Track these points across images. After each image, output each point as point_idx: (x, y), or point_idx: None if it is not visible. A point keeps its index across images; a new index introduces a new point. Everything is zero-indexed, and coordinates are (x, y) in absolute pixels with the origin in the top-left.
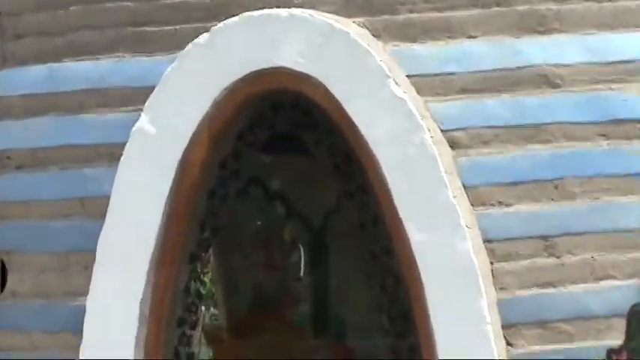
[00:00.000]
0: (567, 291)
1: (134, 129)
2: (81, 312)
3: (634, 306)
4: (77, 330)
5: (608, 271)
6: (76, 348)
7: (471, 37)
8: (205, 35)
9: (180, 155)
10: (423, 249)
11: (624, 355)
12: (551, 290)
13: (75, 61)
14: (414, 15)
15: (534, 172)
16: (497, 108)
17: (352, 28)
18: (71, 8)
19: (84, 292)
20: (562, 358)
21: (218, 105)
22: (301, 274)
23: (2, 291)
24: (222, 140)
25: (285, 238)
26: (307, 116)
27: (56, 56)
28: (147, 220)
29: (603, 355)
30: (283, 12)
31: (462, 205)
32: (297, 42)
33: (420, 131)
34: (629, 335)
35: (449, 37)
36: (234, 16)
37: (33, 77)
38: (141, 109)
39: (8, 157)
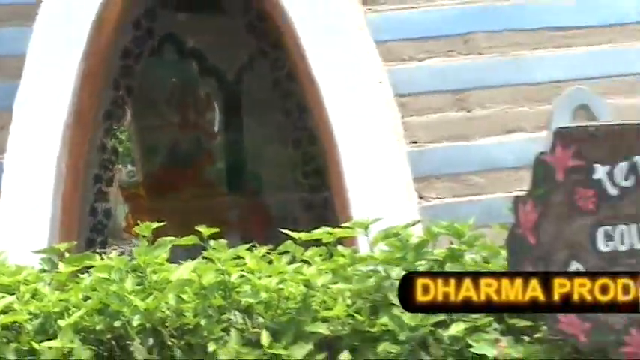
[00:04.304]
0: (478, 144)
1: None
2: None
3: (540, 154)
4: None
5: (518, 123)
6: None
7: None
8: None
9: (94, 14)
10: (336, 105)
11: (530, 205)
12: (462, 143)
13: None
14: None
15: (444, 26)
16: None
17: None
18: None
19: (1, 151)
20: (472, 209)
21: None
22: (215, 129)
23: None
24: None
25: (200, 96)
26: None
27: None
28: (62, 80)
29: None
30: None
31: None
32: None
33: None
34: (535, 183)
35: None
36: None
37: None
38: None
39: None
